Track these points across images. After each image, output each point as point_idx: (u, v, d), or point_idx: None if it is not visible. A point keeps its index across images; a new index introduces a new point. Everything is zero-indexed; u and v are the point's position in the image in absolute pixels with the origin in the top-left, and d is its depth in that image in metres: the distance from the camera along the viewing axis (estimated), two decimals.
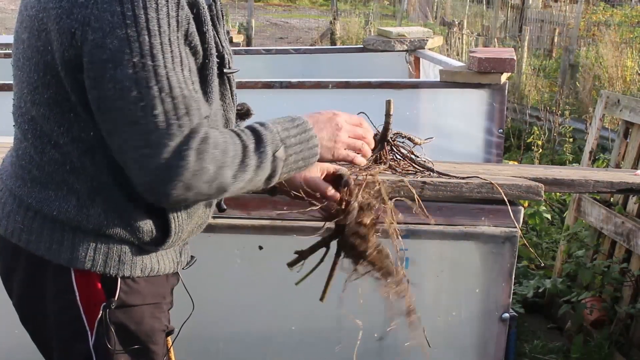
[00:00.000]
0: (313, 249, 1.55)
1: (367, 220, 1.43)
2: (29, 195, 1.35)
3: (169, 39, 1.19)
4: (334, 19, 13.81)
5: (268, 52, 4.24)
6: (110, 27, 1.16)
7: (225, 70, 1.36)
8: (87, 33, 1.18)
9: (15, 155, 1.40)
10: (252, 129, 1.30)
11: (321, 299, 1.55)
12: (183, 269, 1.51)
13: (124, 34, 1.16)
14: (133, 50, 1.16)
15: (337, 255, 1.50)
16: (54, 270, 1.34)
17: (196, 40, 1.25)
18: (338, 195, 1.45)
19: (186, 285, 1.57)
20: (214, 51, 1.30)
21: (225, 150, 1.23)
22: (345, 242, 1.46)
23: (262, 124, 1.31)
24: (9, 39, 4.63)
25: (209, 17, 1.28)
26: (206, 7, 1.27)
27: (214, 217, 1.57)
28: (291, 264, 1.53)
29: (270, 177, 1.31)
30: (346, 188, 1.45)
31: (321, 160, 1.40)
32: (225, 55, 1.36)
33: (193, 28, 1.24)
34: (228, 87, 1.41)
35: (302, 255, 1.54)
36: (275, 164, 1.30)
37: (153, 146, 1.17)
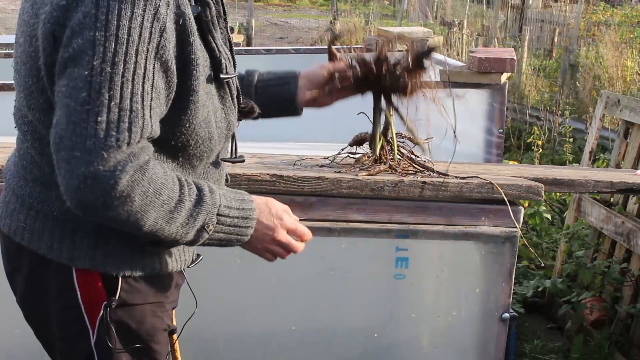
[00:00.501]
0: (375, 126, 1.87)
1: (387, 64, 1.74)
2: (30, 195, 1.36)
3: (136, 50, 1.16)
4: (334, 19, 13.81)
5: (268, 52, 4.23)
6: (80, 27, 1.16)
7: (221, 76, 1.34)
8: (63, 34, 1.18)
9: (17, 155, 1.41)
10: (199, 188, 1.28)
11: (373, 150, 1.91)
12: (188, 267, 1.50)
13: (91, 36, 1.15)
14: (96, 53, 1.14)
15: (378, 99, 1.83)
16: (56, 269, 1.34)
17: (168, 54, 1.21)
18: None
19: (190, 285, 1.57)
20: (200, 61, 1.27)
21: (159, 192, 1.20)
22: (384, 82, 1.76)
23: (211, 189, 1.29)
24: (9, 39, 4.63)
25: (195, 28, 1.26)
26: (192, 17, 1.25)
27: None
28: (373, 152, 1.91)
29: (191, 243, 1.30)
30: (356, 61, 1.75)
31: (248, 246, 1.39)
32: (223, 60, 1.34)
33: (165, 42, 1.20)
34: (228, 90, 1.40)
35: (372, 141, 1.89)
36: (199, 235, 1.29)
37: (86, 151, 1.14)
